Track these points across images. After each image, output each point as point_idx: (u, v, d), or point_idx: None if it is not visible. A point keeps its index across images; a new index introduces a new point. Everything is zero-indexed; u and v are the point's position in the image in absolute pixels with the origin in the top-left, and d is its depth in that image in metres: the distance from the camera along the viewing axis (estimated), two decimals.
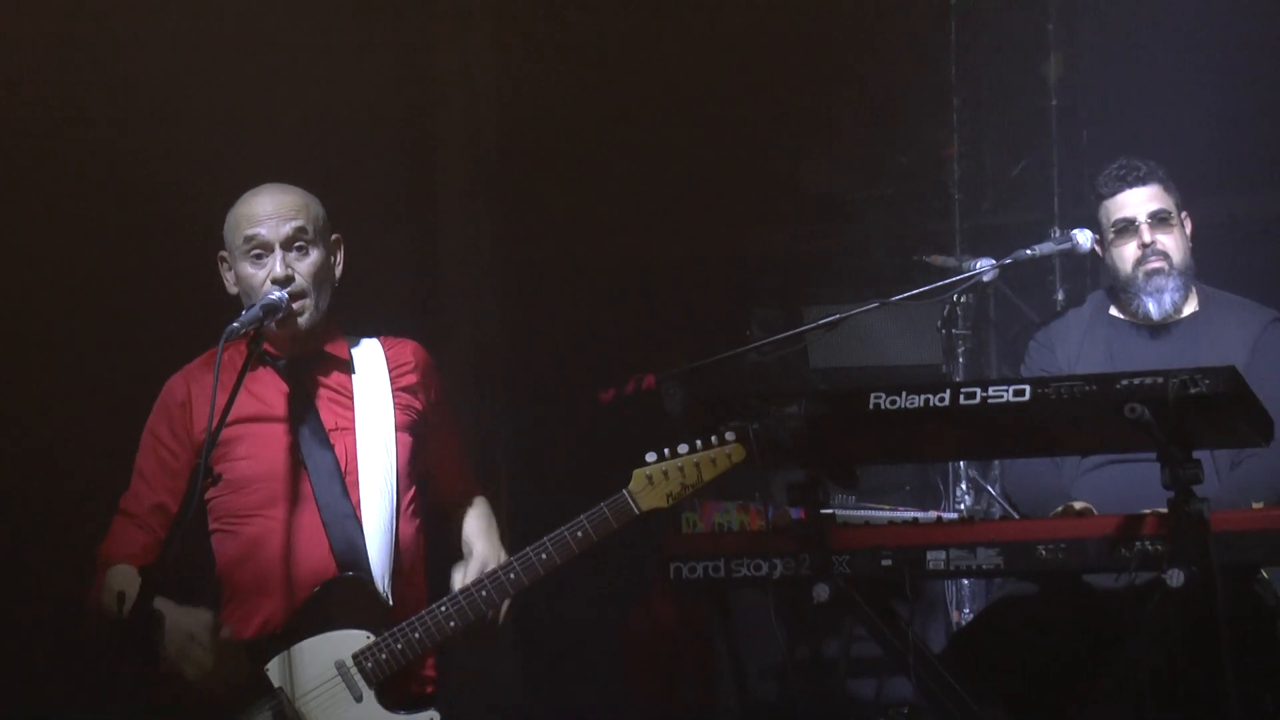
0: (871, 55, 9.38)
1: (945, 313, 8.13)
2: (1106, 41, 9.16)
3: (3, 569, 8.44)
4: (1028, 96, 9.25)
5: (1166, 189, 7.17)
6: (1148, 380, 5.57)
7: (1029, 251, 7.39)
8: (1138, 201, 7.15)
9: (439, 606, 5.79)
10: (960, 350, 8.49)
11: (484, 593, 5.79)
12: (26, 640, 8.48)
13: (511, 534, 8.25)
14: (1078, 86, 9.19)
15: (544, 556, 5.79)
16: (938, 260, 8.40)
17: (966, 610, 8.40)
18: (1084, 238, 7.32)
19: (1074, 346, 7.22)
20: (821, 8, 9.33)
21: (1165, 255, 7.10)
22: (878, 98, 9.48)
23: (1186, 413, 5.54)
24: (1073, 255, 7.59)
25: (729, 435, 5.86)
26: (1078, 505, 6.69)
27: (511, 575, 5.79)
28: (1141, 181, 7.16)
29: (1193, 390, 5.52)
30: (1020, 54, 9.29)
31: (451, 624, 5.77)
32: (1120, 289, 7.22)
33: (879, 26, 9.30)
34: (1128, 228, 7.15)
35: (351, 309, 6.16)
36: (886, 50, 9.35)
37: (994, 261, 7.38)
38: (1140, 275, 7.12)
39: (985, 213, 9.29)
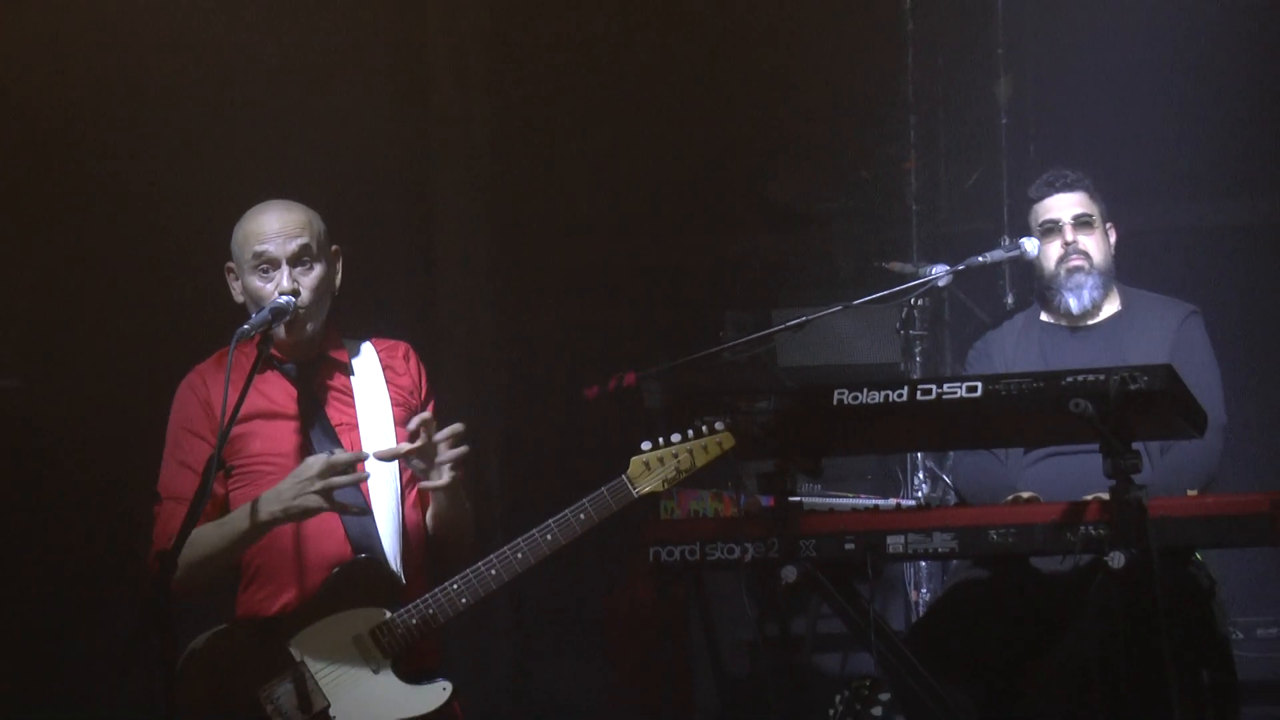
0: (835, 78, 9.39)
1: (903, 315, 8.15)
2: (1052, 64, 9.18)
3: (40, 552, 8.51)
4: (979, 115, 9.25)
5: (1092, 197, 7.22)
6: (1091, 377, 5.60)
7: (980, 258, 7.40)
8: (1063, 205, 7.21)
9: (451, 584, 5.76)
10: (917, 350, 8.51)
11: (493, 571, 5.75)
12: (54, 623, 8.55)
13: (503, 522, 8.28)
14: (1025, 105, 9.21)
15: (549, 537, 5.76)
16: (896, 266, 8.40)
17: (924, 590, 8.41)
18: (1032, 245, 7.33)
19: (1010, 351, 7.24)
20: (790, 35, 9.33)
21: (1086, 255, 7.15)
22: (841, 117, 9.49)
23: (1126, 407, 5.57)
24: (1021, 261, 7.59)
25: (718, 425, 5.86)
26: (1025, 495, 6.71)
27: (519, 554, 5.75)
28: (1068, 188, 7.22)
29: (1132, 386, 5.55)
30: (972, 76, 9.30)
31: (463, 600, 5.75)
32: (1044, 287, 7.26)
33: (842, 51, 9.32)
34: (1053, 228, 7.21)
35: (353, 312, 6.16)
36: (849, 73, 9.36)
37: (948, 267, 7.38)
38: (1062, 272, 7.17)
39: (940, 222, 9.30)
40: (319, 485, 5.59)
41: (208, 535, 5.70)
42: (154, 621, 5.15)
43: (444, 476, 5.75)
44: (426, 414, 5.77)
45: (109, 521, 8.14)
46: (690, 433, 5.87)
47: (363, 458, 5.71)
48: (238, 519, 5.71)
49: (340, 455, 5.65)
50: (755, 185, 9.64)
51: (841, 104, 9.47)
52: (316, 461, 5.63)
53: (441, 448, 5.74)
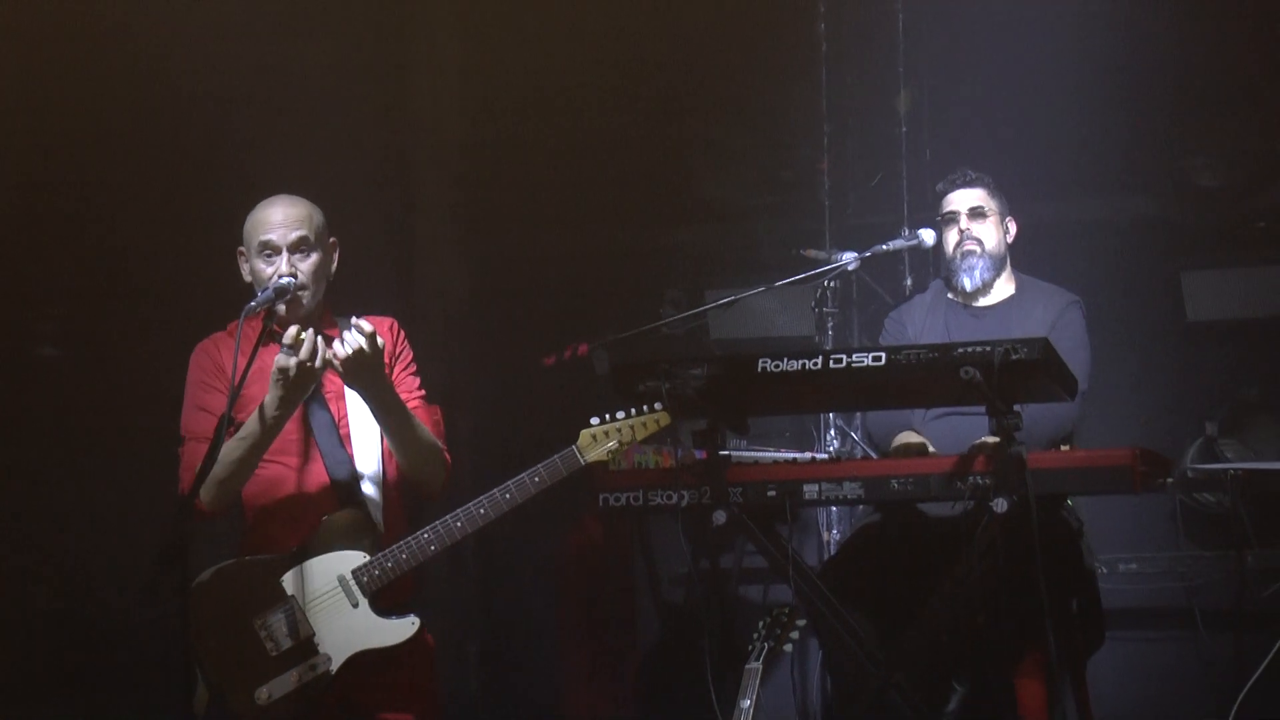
0: (760, 93, 9.34)
1: (818, 295, 8.07)
2: (945, 80, 9.14)
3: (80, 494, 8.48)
4: (883, 124, 9.20)
5: (990, 193, 7.19)
6: (978, 348, 5.61)
7: (884, 247, 7.44)
8: (961, 199, 7.18)
9: (422, 534, 5.75)
10: (830, 325, 8.42)
11: (459, 523, 5.75)
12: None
13: (472, 475, 8.23)
14: (921, 117, 9.16)
15: (508, 496, 5.74)
16: (811, 253, 8.32)
17: (835, 531, 8.37)
18: (927, 236, 7.36)
19: (920, 323, 7.22)
20: (722, 58, 9.29)
21: (978, 241, 7.12)
22: (764, 126, 9.45)
23: (1008, 374, 5.57)
24: (918, 250, 7.61)
25: (657, 405, 5.85)
26: (914, 439, 6.71)
27: (481, 510, 5.74)
28: (968, 184, 7.20)
29: (1014, 357, 5.56)
30: (876, 91, 9.24)
31: (432, 547, 5.74)
32: (945, 267, 7.24)
33: (766, 70, 9.27)
34: (952, 218, 7.19)
35: (343, 290, 6.10)
36: (771, 89, 9.32)
37: (856, 255, 7.40)
38: (958, 255, 7.15)
39: (849, 216, 9.24)
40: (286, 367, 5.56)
41: (229, 450, 5.66)
42: (174, 556, 5.09)
43: (339, 350, 5.64)
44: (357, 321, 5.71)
45: (137, 470, 8.09)
46: (633, 410, 5.87)
47: (296, 332, 5.57)
48: (250, 425, 5.68)
49: (287, 339, 5.56)
50: (691, 184, 9.60)
51: (765, 115, 9.42)
52: (279, 362, 5.57)
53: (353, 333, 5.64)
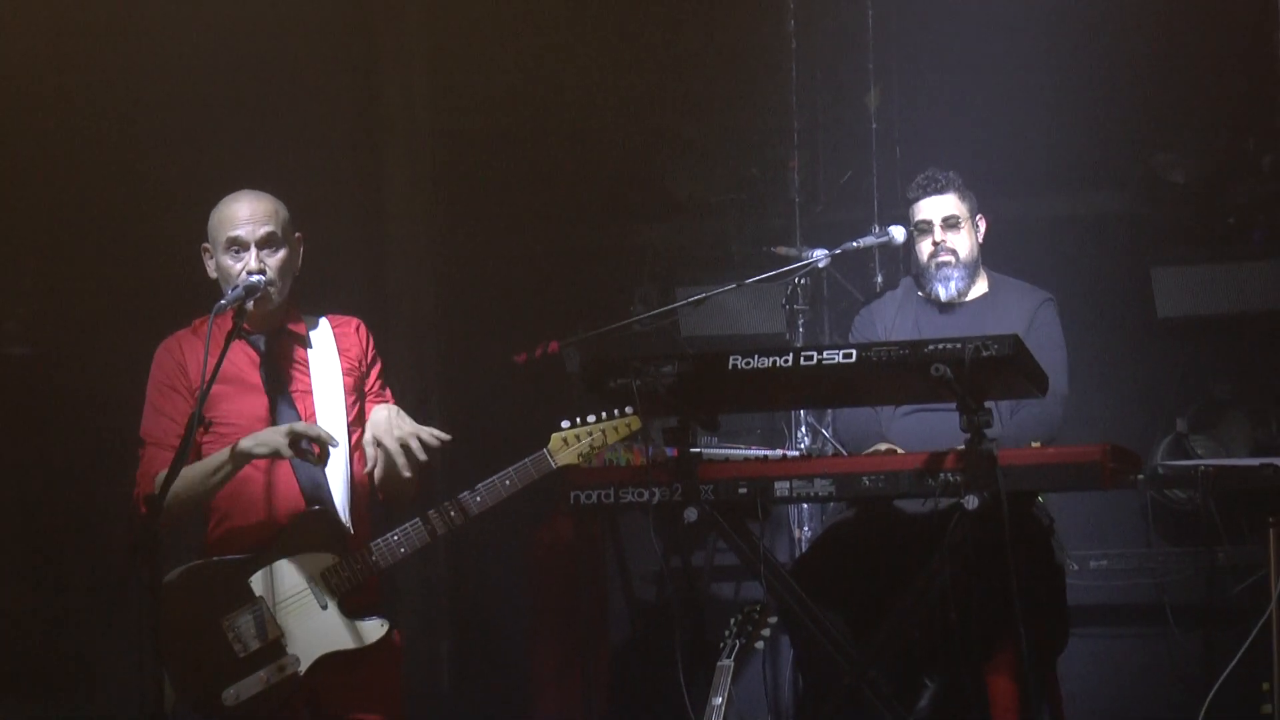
0: (729, 90, 9.33)
1: (788, 292, 8.05)
2: (915, 77, 9.13)
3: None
4: (853, 121, 9.18)
5: (961, 197, 7.14)
6: (949, 345, 5.60)
7: (854, 244, 7.43)
8: (934, 208, 7.13)
9: (391, 535, 5.76)
10: (800, 322, 8.40)
11: (428, 526, 5.75)
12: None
13: (444, 481, 8.21)
14: (892, 113, 9.14)
15: (478, 499, 5.77)
16: (782, 250, 8.32)
17: (806, 528, 8.34)
18: (898, 233, 7.35)
19: (890, 321, 7.21)
20: (693, 56, 9.29)
21: (953, 251, 7.08)
22: (734, 123, 9.42)
23: (979, 371, 5.57)
24: (889, 247, 7.63)
25: (629, 409, 5.88)
26: (883, 447, 6.71)
27: (452, 513, 5.76)
28: (939, 191, 7.14)
29: (984, 354, 5.55)
30: (846, 87, 9.23)
31: (402, 550, 5.75)
32: (919, 273, 7.21)
33: (735, 67, 9.26)
34: (925, 228, 7.14)
35: (313, 289, 6.09)
36: (741, 85, 9.30)
37: (827, 251, 7.39)
38: (932, 265, 7.12)
39: (820, 213, 9.22)
40: (286, 430, 5.62)
41: (192, 473, 5.65)
42: (143, 556, 5.10)
43: (405, 471, 5.78)
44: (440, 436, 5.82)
45: (106, 470, 8.04)
46: (604, 414, 5.90)
47: (331, 442, 5.69)
48: (219, 456, 5.68)
49: (310, 449, 5.64)
50: (662, 181, 9.57)
51: (734, 112, 9.41)
52: (285, 441, 5.62)
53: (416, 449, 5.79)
